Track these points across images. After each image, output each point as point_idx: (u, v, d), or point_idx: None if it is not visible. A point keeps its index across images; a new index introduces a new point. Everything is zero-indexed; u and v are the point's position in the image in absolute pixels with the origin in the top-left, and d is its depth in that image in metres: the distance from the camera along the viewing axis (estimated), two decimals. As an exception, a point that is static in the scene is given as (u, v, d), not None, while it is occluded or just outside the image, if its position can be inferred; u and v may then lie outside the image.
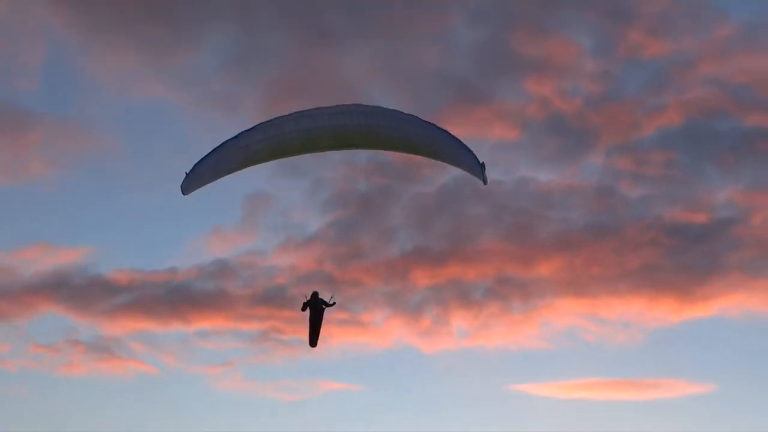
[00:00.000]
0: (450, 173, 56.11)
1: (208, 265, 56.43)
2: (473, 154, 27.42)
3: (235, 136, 27.62)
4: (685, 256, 55.95)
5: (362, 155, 55.72)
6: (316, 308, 30.58)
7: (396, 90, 56.18)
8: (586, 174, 56.86)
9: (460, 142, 27.60)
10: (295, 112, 27.21)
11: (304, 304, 30.73)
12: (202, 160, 27.88)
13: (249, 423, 60.43)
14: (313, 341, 30.93)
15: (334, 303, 30.58)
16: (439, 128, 27.62)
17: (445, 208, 53.20)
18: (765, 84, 56.56)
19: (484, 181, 27.50)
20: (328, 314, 30.73)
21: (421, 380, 60.70)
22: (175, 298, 56.29)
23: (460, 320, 55.63)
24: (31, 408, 60.45)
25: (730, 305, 57.23)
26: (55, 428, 60.00)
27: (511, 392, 59.85)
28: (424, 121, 27.60)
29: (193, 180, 27.96)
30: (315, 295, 30.66)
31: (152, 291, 57.17)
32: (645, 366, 60.55)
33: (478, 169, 27.44)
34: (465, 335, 57.42)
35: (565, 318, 58.60)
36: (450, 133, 27.65)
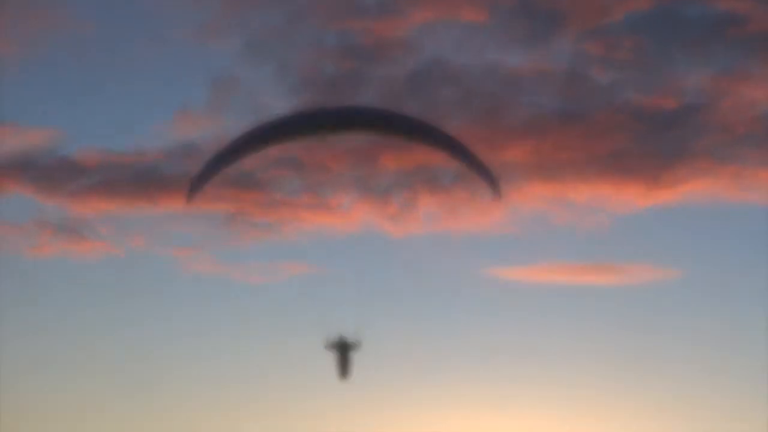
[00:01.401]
0: (419, 58, 55.81)
1: (176, 148, 56.25)
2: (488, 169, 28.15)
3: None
4: (653, 142, 56.17)
5: (332, 38, 55.34)
6: (343, 352, 30.05)
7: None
8: (556, 58, 56.68)
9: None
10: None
11: (332, 345, 30.03)
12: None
13: (218, 305, 60.98)
14: (344, 374, 30.25)
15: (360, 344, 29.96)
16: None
17: (414, 92, 53.03)
18: (737, -32, 56.15)
19: (499, 195, 28.45)
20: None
21: (390, 264, 61.08)
22: (144, 179, 56.20)
23: (428, 205, 55.79)
24: None
25: (697, 191, 57.68)
26: (24, 309, 60.41)
27: (482, 276, 60.45)
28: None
29: (200, 178, 27.34)
30: (341, 339, 30.09)
31: (120, 172, 57.05)
32: (613, 251, 61.26)
33: (493, 180, 28.22)
34: (433, 220, 57.70)
35: (533, 202, 58.96)
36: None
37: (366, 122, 27.56)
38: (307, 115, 27.97)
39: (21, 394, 57.59)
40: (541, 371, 58.98)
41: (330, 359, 29.90)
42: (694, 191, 57.61)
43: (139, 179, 56.28)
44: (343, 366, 29.59)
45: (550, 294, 61.26)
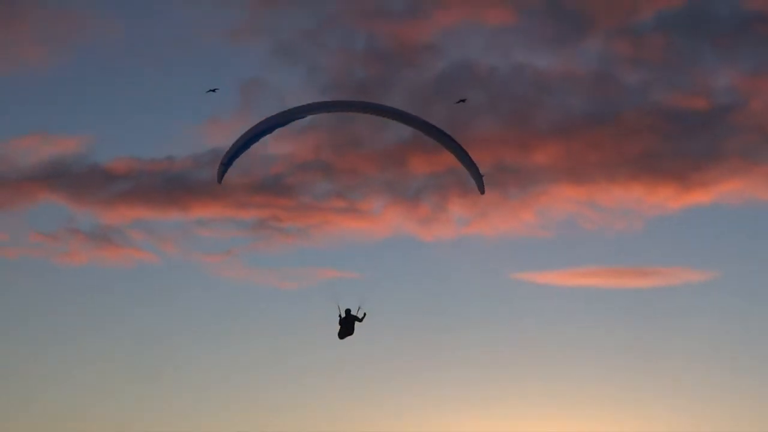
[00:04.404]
0: (447, 61, 55.71)
1: (205, 154, 56.34)
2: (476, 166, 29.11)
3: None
4: (684, 142, 55.78)
5: (359, 43, 55.33)
6: (348, 324, 31.10)
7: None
8: (584, 59, 56.37)
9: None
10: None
11: (341, 319, 31.16)
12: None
13: (249, 311, 61.07)
14: (341, 335, 31.33)
15: (365, 315, 31.01)
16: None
17: (442, 95, 52.91)
18: (766, -34, 55.75)
19: (482, 191, 29.32)
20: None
21: (422, 268, 61.09)
22: (174, 186, 56.33)
23: (458, 208, 55.68)
24: (32, 296, 61.05)
25: (730, 191, 57.24)
26: (56, 316, 60.66)
27: (512, 280, 60.25)
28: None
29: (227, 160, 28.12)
30: (348, 312, 31.10)
31: (150, 179, 57.19)
32: (645, 253, 60.91)
33: (479, 177, 29.03)
34: (464, 223, 57.55)
35: (563, 205, 58.71)
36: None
37: (368, 108, 28.95)
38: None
39: (54, 402, 57.90)
40: (575, 375, 58.76)
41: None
42: (727, 191, 57.21)
43: (169, 186, 56.41)
44: (344, 331, 31.02)
45: (582, 298, 61.06)
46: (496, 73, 55.14)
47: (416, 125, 28.84)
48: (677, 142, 55.81)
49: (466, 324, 60.52)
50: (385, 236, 58.16)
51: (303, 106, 28.52)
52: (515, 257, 60.58)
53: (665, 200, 58.00)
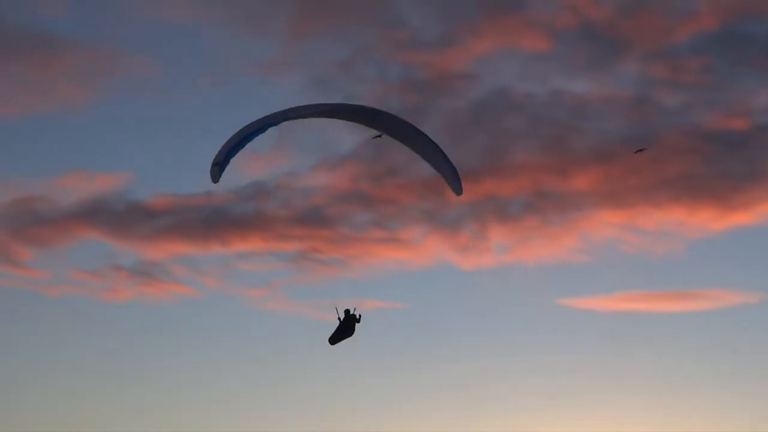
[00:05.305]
0: (483, 88, 55.74)
1: (244, 187, 56.49)
2: (452, 164, 29.53)
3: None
4: (724, 163, 55.42)
5: (394, 73, 55.43)
6: (348, 325, 31.69)
7: (427, 0, 55.82)
8: (621, 83, 56.24)
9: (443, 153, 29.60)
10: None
11: (340, 322, 31.70)
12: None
13: (292, 343, 61.09)
14: (333, 340, 31.82)
15: (360, 316, 31.82)
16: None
17: (479, 122, 52.90)
18: (801, -16, 55.44)
19: (458, 192, 29.86)
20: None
21: (464, 296, 60.98)
22: (213, 220, 56.51)
23: (498, 235, 55.60)
24: (75, 333, 61.38)
25: (772, 212, 56.81)
26: (100, 353, 60.93)
27: (555, 306, 59.99)
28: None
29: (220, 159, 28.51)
30: (347, 312, 31.80)
31: (190, 214, 57.46)
32: (687, 276, 60.47)
33: (455, 177, 29.52)
34: (504, 250, 57.43)
35: (604, 230, 58.44)
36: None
37: (350, 114, 29.49)
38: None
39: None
40: (622, 401, 58.32)
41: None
42: (769, 212, 56.77)
43: (209, 220, 56.58)
44: (340, 334, 31.58)
45: (626, 322, 60.60)
46: (533, 100, 55.17)
47: (384, 123, 28.88)
48: (717, 163, 55.51)
49: (511, 352, 60.34)
50: (426, 265, 58.11)
51: (294, 107, 29.05)
52: (557, 283, 60.38)
53: (707, 222, 57.64)
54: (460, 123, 52.83)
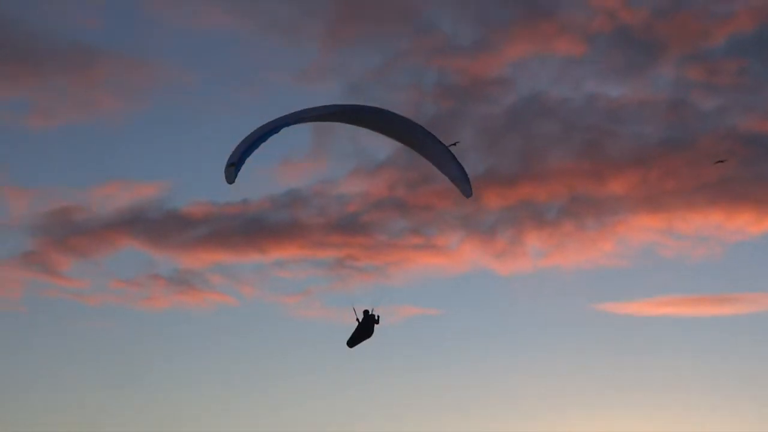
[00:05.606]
0: (518, 93, 55.67)
1: (280, 195, 56.76)
2: (461, 166, 29.34)
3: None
4: (762, 166, 55.06)
5: (429, 79, 55.46)
6: (367, 326, 31.00)
7: (460, 6, 55.79)
8: (657, 87, 56.03)
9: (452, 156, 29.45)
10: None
11: (359, 323, 31.08)
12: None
13: (329, 350, 61.15)
14: (351, 342, 31.19)
15: (379, 317, 30.98)
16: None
17: (514, 128, 52.84)
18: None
19: (468, 194, 29.70)
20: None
21: (501, 302, 60.88)
22: (251, 229, 56.75)
23: (534, 240, 55.47)
24: (115, 342, 61.75)
25: (810, 214, 56.37)
26: (139, 361, 61.25)
27: (593, 311, 59.77)
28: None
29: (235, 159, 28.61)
30: (366, 313, 31.00)
31: (227, 223, 57.68)
32: (726, 280, 60.10)
33: (464, 179, 29.32)
34: (541, 255, 57.28)
35: (641, 234, 58.18)
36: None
37: (358, 114, 29.40)
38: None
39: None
40: (661, 405, 58.01)
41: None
42: (807, 214, 56.32)
43: (246, 228, 56.84)
44: (359, 335, 30.96)
45: (665, 327, 60.30)
46: (569, 104, 55.04)
47: (392, 126, 28.74)
48: (755, 166, 55.14)
49: (548, 357, 60.16)
50: (463, 271, 58.09)
51: (307, 109, 29.00)
52: (595, 288, 60.15)
53: (745, 225, 57.25)
54: (495, 128, 52.83)
